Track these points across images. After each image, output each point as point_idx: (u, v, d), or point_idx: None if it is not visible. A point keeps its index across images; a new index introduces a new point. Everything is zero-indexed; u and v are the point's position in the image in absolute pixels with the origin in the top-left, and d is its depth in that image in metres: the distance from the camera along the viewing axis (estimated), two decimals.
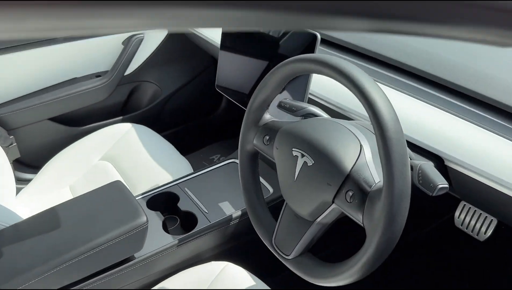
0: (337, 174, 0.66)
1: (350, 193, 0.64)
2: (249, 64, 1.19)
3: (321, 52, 1.07)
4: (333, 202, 0.67)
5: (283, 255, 0.76)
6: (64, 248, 0.87)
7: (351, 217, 0.65)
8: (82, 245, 0.87)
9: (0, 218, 0.95)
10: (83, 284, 0.89)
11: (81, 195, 1.01)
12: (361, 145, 0.67)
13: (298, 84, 0.95)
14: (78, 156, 1.41)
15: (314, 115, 0.81)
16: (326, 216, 0.70)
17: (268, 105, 0.82)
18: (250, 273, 0.98)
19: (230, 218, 1.06)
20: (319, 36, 0.93)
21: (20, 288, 0.81)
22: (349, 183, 0.65)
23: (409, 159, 0.61)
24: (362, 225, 0.63)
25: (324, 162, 0.67)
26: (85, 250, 0.87)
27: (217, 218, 1.06)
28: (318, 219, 0.71)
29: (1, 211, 0.99)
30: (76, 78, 1.56)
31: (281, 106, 0.86)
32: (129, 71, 1.63)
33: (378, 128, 0.57)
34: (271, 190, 1.15)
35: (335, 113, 0.96)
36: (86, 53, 1.54)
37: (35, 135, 1.49)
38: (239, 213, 1.07)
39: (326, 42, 1.13)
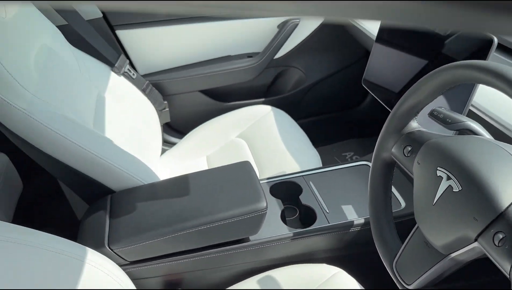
0: (488, 209, 0.55)
1: (500, 236, 0.53)
2: (405, 62, 1.09)
3: (495, 60, 0.91)
4: (475, 240, 0.56)
5: (403, 283, 0.68)
6: (188, 215, 0.92)
7: (495, 263, 0.54)
8: (204, 216, 0.91)
9: (141, 175, 1.05)
10: (197, 253, 0.94)
11: (212, 169, 1.06)
12: None
13: (459, 91, 0.82)
14: (219, 130, 1.49)
15: (473, 132, 0.69)
16: (464, 254, 0.60)
17: (418, 112, 0.72)
18: (362, 286, 0.91)
19: (350, 224, 1.00)
20: (495, 41, 0.78)
21: (140, 244, 0.88)
22: (502, 223, 0.53)
23: None
24: (508, 276, 0.52)
25: (475, 191, 0.56)
26: (206, 222, 0.91)
27: (337, 220, 1.01)
28: (453, 255, 0.61)
29: (144, 169, 1.10)
30: (230, 55, 1.63)
31: (433, 114, 0.76)
32: (278, 55, 1.64)
33: None
34: (403, 204, 1.05)
35: (498, 133, 0.81)
36: (241, 33, 1.59)
37: (185, 103, 1.61)
38: (361, 221, 1.00)
39: (503, 48, 0.96)
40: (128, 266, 0.91)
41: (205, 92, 1.63)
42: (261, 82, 1.68)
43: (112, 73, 1.36)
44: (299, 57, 1.68)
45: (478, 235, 0.56)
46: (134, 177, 1.04)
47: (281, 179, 1.15)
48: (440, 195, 0.61)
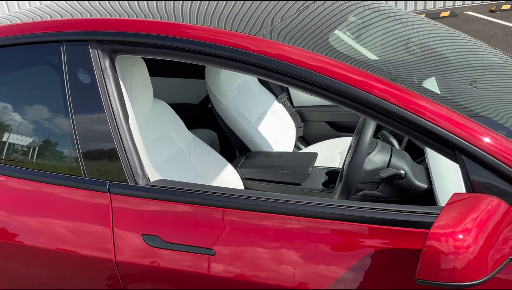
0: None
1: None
2: None
3: None
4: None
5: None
6: (274, 166, 1.94)
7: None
8: (282, 167, 1.92)
9: (266, 147, 2.12)
10: (274, 183, 1.93)
11: (299, 151, 2.04)
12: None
13: None
14: (330, 146, 2.42)
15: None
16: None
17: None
18: None
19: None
20: None
21: (252, 170, 1.94)
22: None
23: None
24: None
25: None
26: (278, 169, 1.91)
27: None
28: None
29: (269, 146, 2.16)
30: None
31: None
32: None
33: (357, 141, 1.29)
34: None
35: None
36: None
37: (313, 127, 2.61)
38: None
39: None
40: (243, 180, 1.97)
41: (328, 123, 2.59)
42: None
43: (275, 101, 2.49)
44: None
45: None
46: (262, 147, 2.11)
47: (335, 169, 2.03)
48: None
